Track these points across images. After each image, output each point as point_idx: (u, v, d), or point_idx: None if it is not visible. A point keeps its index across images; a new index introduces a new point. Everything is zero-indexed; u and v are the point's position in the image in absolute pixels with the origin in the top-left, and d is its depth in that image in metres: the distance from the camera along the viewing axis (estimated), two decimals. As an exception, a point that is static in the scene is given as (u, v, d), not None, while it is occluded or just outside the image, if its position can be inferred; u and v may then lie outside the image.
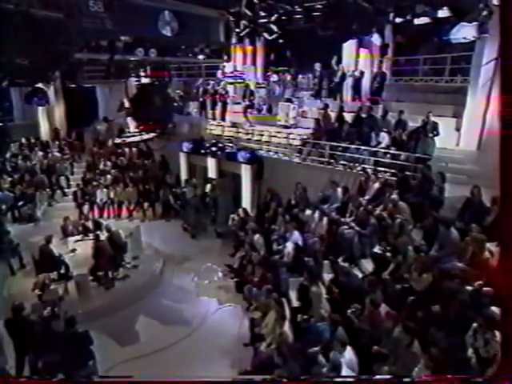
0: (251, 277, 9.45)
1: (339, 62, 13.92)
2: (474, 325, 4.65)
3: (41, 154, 16.34)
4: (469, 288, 5.39)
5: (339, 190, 10.14)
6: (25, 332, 6.47)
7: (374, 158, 10.37)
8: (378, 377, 3.73)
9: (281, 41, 15.79)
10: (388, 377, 3.75)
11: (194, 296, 9.73)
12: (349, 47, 13.49)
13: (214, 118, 15.93)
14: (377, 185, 9.62)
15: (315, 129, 11.91)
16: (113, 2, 7.85)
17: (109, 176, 15.27)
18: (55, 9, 7.14)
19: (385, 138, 10.48)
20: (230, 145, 13.54)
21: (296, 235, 9.24)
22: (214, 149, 13.54)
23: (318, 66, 14.36)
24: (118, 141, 14.30)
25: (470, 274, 5.76)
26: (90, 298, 9.00)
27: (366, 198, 9.48)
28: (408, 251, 6.75)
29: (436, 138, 9.77)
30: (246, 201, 12.96)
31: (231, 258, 11.03)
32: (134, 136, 12.27)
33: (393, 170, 9.91)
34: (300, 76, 15.56)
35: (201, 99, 16.20)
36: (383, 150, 10.34)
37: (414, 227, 7.95)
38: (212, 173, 13.71)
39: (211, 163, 13.58)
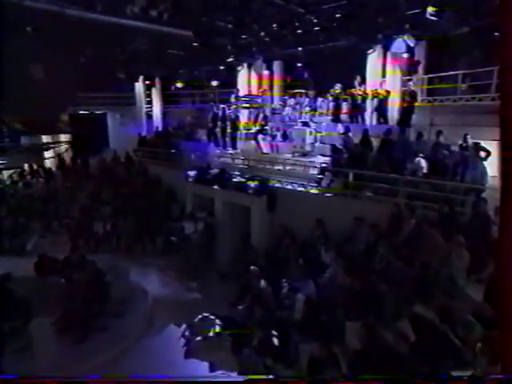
0: (252, 336, 7.18)
1: (363, 82, 11.96)
2: None
3: (42, 181, 14.75)
4: None
5: (365, 227, 7.93)
6: None
7: (409, 188, 8.11)
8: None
9: (299, 64, 14.47)
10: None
11: (181, 358, 7.50)
12: (373, 64, 11.64)
13: (224, 146, 14.27)
14: (413, 222, 7.35)
15: (334, 156, 9.76)
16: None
17: (108, 207, 13.47)
18: None
19: (421, 165, 8.26)
20: (239, 173, 11.54)
21: (310, 285, 7.00)
22: (220, 178, 11.54)
23: (338, 87, 12.47)
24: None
25: None
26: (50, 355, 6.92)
27: (401, 238, 7.18)
28: (472, 324, 4.39)
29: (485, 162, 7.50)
30: (255, 238, 10.79)
31: (233, 307, 8.79)
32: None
33: (433, 204, 7.61)
34: (320, 99, 13.66)
35: (210, 125, 14.65)
36: (421, 179, 8.09)
37: (467, 280, 5.61)
38: (218, 205, 11.76)
39: (217, 194, 11.74)
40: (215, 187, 11.77)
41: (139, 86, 18.66)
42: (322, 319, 6.32)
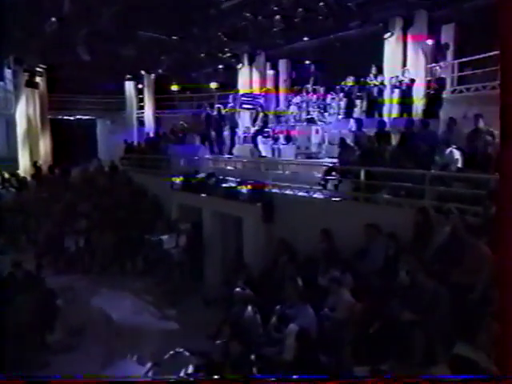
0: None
1: (379, 72, 10.65)
2: None
3: (13, 191, 13.71)
4: None
5: (382, 238, 6.27)
6: None
7: (439, 186, 6.42)
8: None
9: (307, 62, 13.32)
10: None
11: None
12: (392, 50, 10.35)
13: (220, 149, 13.13)
14: (447, 229, 5.65)
15: (343, 152, 8.26)
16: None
17: (84, 220, 12.10)
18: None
19: (455, 156, 6.59)
20: (230, 179, 10.13)
21: (307, 312, 5.31)
22: (207, 183, 10.41)
23: (350, 80, 11.14)
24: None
25: None
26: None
27: (431, 251, 5.49)
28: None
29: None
30: (248, 254, 9.35)
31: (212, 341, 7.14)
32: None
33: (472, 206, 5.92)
34: (329, 96, 12.26)
35: (203, 127, 13.69)
36: (454, 175, 6.41)
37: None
38: (206, 215, 10.46)
39: (204, 203, 10.50)
40: (202, 195, 10.55)
41: (130, 90, 17.69)
42: (320, 361, 4.59)
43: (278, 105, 14.71)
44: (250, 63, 15.33)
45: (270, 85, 15.28)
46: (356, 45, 12.19)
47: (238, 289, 7.23)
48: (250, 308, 6.69)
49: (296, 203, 8.84)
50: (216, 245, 10.04)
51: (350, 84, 11.48)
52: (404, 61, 10.78)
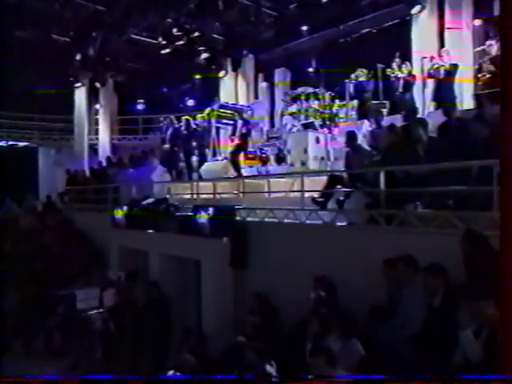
0: None
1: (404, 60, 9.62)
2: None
3: None
4: None
5: (419, 281, 4.42)
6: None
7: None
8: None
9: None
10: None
11: None
12: (422, 29, 9.65)
13: (189, 172, 11.92)
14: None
15: (352, 154, 6.51)
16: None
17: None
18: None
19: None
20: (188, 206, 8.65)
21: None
22: (155, 213, 8.90)
23: (363, 74, 10.10)
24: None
25: None
26: None
27: None
28: None
29: None
30: (208, 319, 7.52)
31: None
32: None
33: None
34: (337, 102, 10.73)
35: (166, 146, 12.30)
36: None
37: None
38: (153, 260, 8.81)
39: (151, 242, 8.94)
40: (149, 231, 9.00)
41: (80, 108, 16.49)
42: None
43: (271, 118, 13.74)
44: (235, 69, 14.09)
45: (262, 98, 14.16)
46: (371, 36, 11.42)
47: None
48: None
49: (280, 235, 7.06)
50: (162, 304, 7.74)
51: (363, 79, 9.82)
52: (441, 42, 9.45)
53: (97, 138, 16.91)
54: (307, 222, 6.65)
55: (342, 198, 6.29)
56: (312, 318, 5.27)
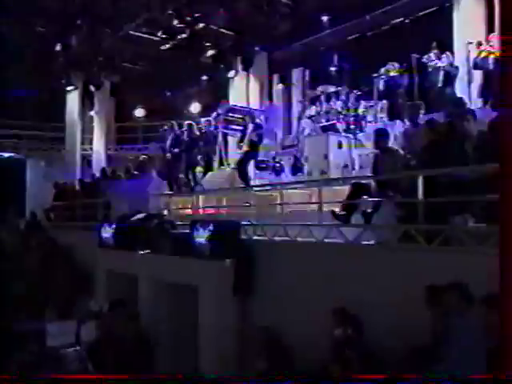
0: None
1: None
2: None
3: None
4: None
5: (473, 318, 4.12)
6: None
7: None
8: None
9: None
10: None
11: None
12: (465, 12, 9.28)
13: (191, 184, 11.76)
14: None
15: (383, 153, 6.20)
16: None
17: None
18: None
19: None
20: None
21: None
22: (146, 231, 8.70)
23: (394, 68, 9.89)
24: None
25: None
26: None
27: None
28: None
29: None
30: (206, 358, 7.09)
31: None
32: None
33: None
34: (363, 104, 10.45)
35: (168, 155, 12.09)
36: None
37: None
38: (143, 287, 8.48)
39: (140, 265, 8.58)
40: (140, 252, 8.67)
41: (72, 114, 16.55)
42: None
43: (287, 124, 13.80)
44: (246, 68, 13.86)
45: (277, 101, 14.19)
46: (403, 27, 11.13)
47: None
48: None
49: (294, 256, 6.70)
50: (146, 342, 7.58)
51: (394, 73, 9.68)
52: (489, 26, 9.08)
53: (91, 149, 16.93)
54: (326, 240, 6.22)
55: (369, 211, 5.85)
56: (335, 361, 4.80)
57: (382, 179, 5.98)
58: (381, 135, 6.36)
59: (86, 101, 16.84)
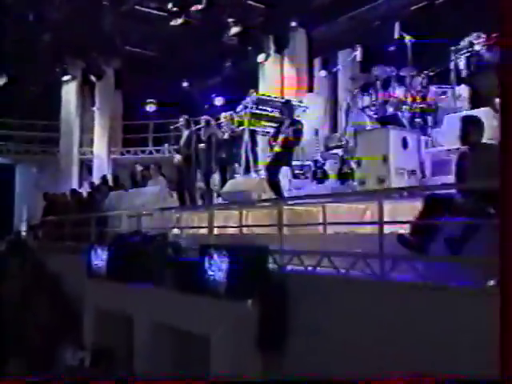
0: None
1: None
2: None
3: None
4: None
5: None
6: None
7: None
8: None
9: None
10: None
11: None
12: None
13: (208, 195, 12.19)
14: None
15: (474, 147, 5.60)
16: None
17: None
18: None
19: None
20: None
21: None
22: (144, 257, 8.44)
23: (480, 40, 8.94)
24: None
25: None
26: None
27: None
28: None
29: None
30: None
31: None
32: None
33: None
34: (434, 89, 9.79)
35: (176, 160, 11.89)
36: None
37: None
38: (139, 334, 8.19)
39: (139, 302, 8.31)
40: (136, 285, 8.45)
41: (68, 110, 16.65)
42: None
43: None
44: (280, 51, 13.74)
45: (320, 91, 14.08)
46: None
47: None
48: None
49: (341, 297, 6.01)
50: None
51: (480, 48, 8.75)
52: None
53: (91, 152, 17.11)
54: (389, 276, 5.33)
55: (458, 239, 4.82)
56: None
57: (475, 189, 4.95)
58: (469, 123, 5.38)
59: (86, 94, 16.90)
